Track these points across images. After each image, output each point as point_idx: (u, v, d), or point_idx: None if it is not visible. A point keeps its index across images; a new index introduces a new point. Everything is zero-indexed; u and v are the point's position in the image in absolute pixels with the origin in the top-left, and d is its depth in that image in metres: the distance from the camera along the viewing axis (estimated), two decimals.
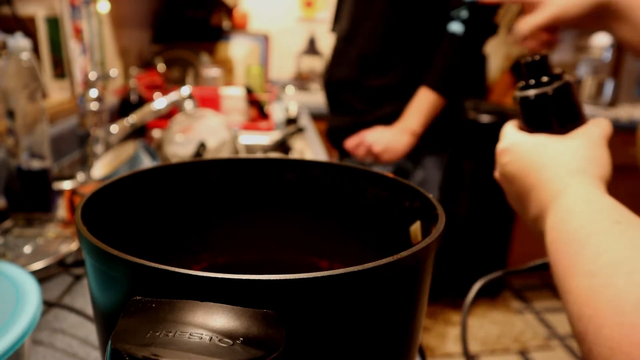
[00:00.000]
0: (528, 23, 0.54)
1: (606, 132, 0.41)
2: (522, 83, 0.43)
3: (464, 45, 1.14)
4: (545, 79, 0.41)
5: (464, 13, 1.13)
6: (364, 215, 0.40)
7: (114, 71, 1.07)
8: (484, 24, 1.15)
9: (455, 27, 1.14)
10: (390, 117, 1.23)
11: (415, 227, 0.35)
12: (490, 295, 2.26)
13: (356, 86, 1.27)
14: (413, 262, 0.25)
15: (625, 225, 0.31)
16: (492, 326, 2.05)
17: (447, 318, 2.08)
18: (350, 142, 1.26)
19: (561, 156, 0.40)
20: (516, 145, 0.43)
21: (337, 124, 1.36)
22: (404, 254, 0.24)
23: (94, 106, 0.97)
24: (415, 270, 0.27)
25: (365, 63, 1.24)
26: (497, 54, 2.56)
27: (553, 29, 0.54)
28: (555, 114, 0.41)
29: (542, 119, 0.42)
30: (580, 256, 0.32)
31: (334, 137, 1.39)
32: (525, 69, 0.43)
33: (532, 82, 0.42)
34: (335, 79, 1.32)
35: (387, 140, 1.18)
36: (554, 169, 0.39)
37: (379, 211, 0.39)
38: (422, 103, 1.17)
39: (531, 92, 0.42)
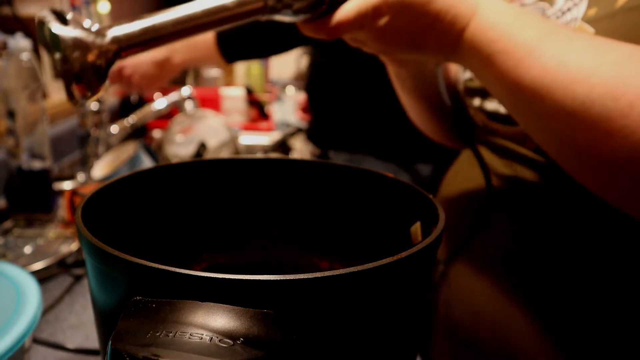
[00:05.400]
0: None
1: None
2: None
3: None
4: None
5: None
6: (364, 216, 0.40)
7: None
8: None
9: None
10: None
11: (416, 228, 0.35)
12: None
13: None
14: (413, 262, 0.25)
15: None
16: None
17: None
18: None
19: None
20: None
21: None
22: (404, 254, 0.24)
23: (94, 106, 0.97)
24: (416, 270, 0.27)
25: None
26: None
27: None
28: None
29: None
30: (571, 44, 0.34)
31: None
32: None
33: None
34: None
35: (136, 64, 1.07)
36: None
37: (379, 211, 0.39)
38: None
39: None
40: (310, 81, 1.26)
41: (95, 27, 0.33)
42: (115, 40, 0.33)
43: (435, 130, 0.62)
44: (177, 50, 1.07)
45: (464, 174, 0.54)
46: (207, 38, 1.07)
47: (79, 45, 0.32)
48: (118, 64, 1.10)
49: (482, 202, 0.49)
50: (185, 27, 0.35)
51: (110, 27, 0.33)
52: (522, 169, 0.45)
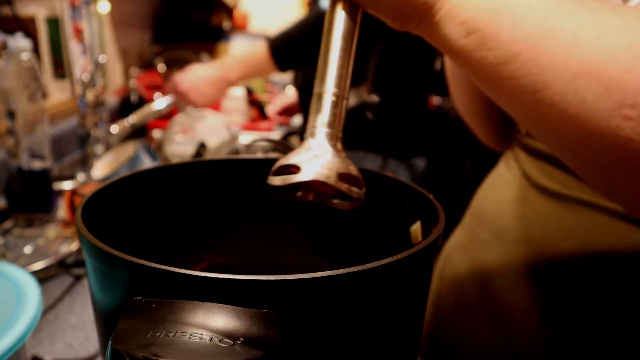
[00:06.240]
0: None
1: None
2: None
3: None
4: None
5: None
6: (364, 216, 0.40)
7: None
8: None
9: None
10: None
11: (416, 228, 0.35)
12: None
13: None
14: (413, 262, 0.25)
15: None
16: None
17: None
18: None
19: None
20: None
21: None
22: (404, 254, 0.24)
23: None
24: (416, 270, 0.27)
25: None
26: None
27: None
28: None
29: None
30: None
31: None
32: None
33: None
34: None
35: (192, 81, 1.10)
36: None
37: (379, 211, 0.39)
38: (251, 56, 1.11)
39: None
40: (304, 78, 1.22)
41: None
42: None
43: (482, 126, 0.57)
44: (232, 67, 1.08)
45: (500, 186, 0.52)
46: (259, 52, 1.07)
47: None
48: (174, 78, 1.12)
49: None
50: None
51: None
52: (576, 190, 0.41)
